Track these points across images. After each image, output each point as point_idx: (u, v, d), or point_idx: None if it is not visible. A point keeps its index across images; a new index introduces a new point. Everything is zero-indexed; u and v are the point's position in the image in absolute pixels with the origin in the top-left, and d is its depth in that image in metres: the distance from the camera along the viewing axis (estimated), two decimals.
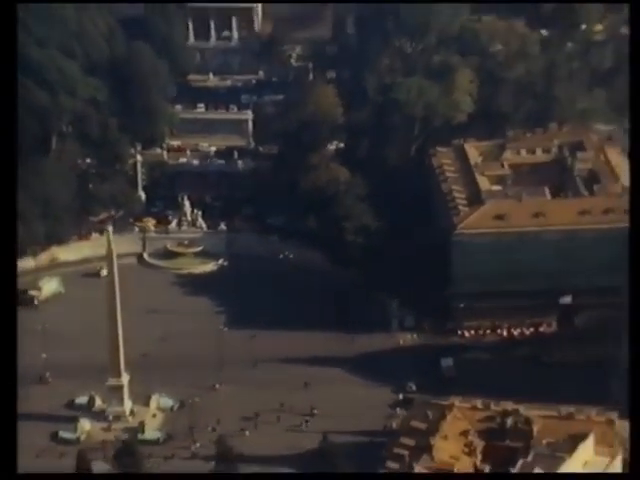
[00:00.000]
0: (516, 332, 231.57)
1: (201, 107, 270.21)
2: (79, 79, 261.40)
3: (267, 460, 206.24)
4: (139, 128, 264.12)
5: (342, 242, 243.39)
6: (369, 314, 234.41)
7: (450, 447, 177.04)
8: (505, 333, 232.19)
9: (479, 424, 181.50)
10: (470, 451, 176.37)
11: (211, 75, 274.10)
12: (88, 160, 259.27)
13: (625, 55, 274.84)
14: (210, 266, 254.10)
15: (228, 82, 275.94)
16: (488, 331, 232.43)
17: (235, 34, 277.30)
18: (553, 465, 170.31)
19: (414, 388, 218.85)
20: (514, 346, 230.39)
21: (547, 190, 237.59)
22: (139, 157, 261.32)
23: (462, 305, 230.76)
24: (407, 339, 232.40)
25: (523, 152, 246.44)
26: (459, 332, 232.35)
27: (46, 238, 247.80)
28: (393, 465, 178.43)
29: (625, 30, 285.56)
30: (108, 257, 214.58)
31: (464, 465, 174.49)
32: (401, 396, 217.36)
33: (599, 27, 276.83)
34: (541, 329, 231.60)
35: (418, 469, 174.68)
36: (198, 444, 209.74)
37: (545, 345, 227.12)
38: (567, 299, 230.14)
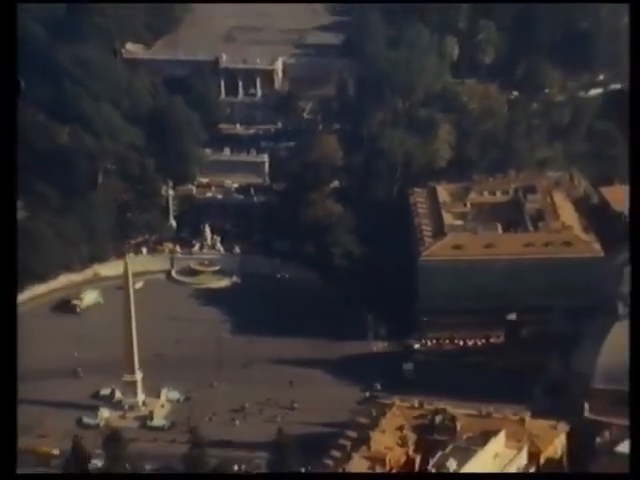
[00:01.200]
0: (470, 342, 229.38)
1: (227, 151, 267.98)
2: (122, 127, 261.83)
3: (247, 445, 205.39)
4: (173, 168, 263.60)
5: (331, 265, 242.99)
6: (349, 324, 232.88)
7: (386, 439, 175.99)
8: (461, 343, 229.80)
9: (413, 420, 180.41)
10: (403, 443, 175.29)
11: (238, 125, 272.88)
12: (128, 193, 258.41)
13: (581, 113, 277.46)
14: (225, 282, 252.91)
15: (251, 130, 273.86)
16: (447, 341, 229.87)
17: (259, 91, 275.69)
18: (466, 456, 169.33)
19: (379, 387, 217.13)
20: (467, 354, 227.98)
21: (499, 225, 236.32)
22: (171, 192, 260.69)
23: (426, 319, 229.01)
24: (379, 346, 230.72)
25: (485, 193, 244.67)
26: (422, 341, 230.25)
27: (90, 257, 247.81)
28: (335, 454, 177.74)
29: (583, 93, 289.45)
30: (125, 276, 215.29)
31: (397, 454, 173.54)
32: (367, 394, 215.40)
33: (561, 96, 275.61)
34: (491, 340, 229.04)
35: (356, 457, 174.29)
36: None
37: (494, 354, 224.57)
38: (512, 316, 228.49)
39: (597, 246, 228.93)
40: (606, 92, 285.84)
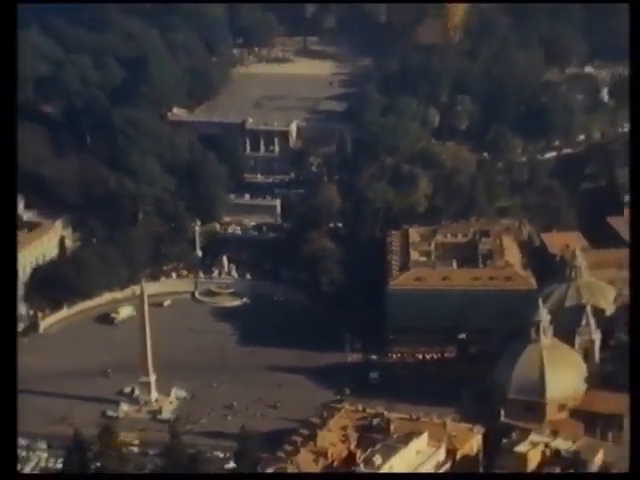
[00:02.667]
0: (428, 356, 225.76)
1: (247, 196, 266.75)
2: (160, 176, 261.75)
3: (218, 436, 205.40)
4: (202, 209, 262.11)
5: (320, 290, 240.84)
6: (331, 339, 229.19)
7: (331, 437, 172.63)
8: (420, 357, 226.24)
9: (357, 422, 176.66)
10: (345, 440, 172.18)
11: (258, 174, 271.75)
12: (163, 228, 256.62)
13: (537, 172, 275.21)
14: (237, 302, 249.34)
15: (269, 179, 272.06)
16: (408, 354, 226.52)
17: (277, 148, 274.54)
18: (392, 453, 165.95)
19: (348, 392, 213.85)
20: (425, 366, 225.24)
21: (455, 262, 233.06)
22: (198, 228, 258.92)
23: (392, 336, 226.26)
24: (353, 357, 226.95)
25: (449, 235, 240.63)
26: (389, 354, 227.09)
27: (128, 280, 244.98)
28: (287, 447, 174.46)
29: (540, 156, 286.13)
30: (140, 297, 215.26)
31: (339, 450, 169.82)
32: (338, 397, 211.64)
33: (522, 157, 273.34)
34: (445, 355, 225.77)
35: (303, 451, 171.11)
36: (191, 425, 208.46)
37: (447, 366, 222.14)
38: (463, 335, 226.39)
39: (532, 280, 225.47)
40: (559, 155, 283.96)
